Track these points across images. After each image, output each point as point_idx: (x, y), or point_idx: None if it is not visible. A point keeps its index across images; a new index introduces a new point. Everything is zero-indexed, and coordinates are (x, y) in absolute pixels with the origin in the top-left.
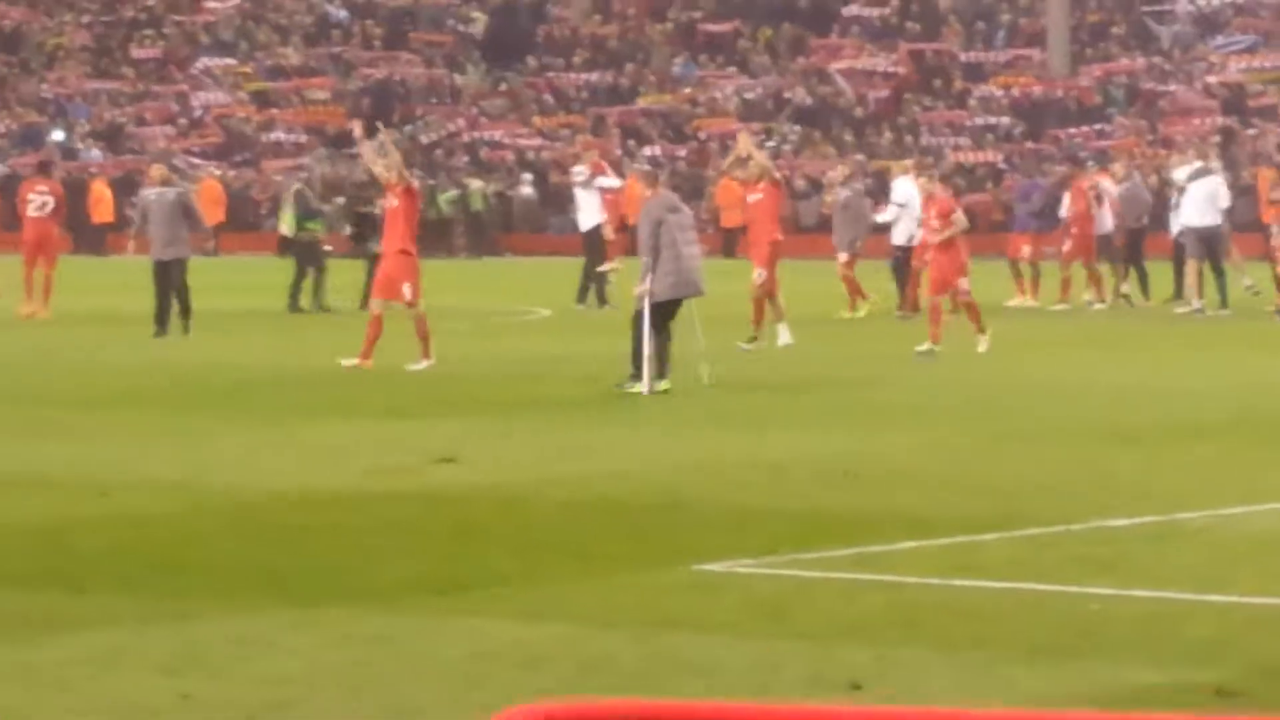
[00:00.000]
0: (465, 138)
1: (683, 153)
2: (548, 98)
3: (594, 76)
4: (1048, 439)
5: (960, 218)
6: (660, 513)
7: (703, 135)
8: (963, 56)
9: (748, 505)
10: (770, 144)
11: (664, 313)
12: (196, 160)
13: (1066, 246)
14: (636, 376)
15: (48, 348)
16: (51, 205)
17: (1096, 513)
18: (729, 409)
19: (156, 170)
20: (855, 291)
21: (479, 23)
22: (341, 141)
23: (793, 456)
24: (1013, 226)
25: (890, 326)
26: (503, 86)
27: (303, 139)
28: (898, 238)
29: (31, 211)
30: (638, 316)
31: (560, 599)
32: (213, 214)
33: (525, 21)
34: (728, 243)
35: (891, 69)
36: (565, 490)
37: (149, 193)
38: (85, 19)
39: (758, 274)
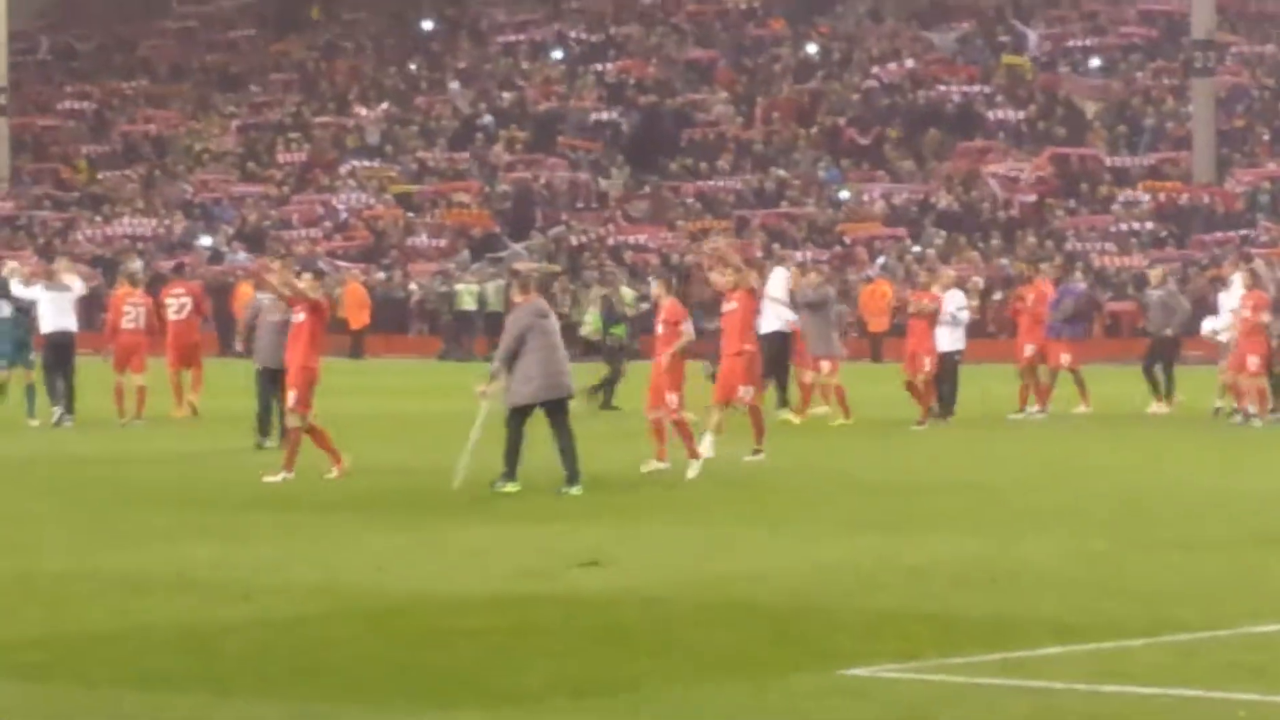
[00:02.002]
0: (610, 241)
1: (826, 257)
2: (692, 201)
3: (738, 180)
4: (1194, 543)
5: (688, 328)
6: (801, 615)
7: (848, 240)
8: (1107, 161)
9: (888, 608)
10: (916, 248)
11: (523, 414)
12: (341, 263)
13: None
14: (509, 476)
15: (192, 449)
16: (190, 307)
17: (1245, 618)
18: (867, 511)
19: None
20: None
21: (624, 126)
22: (485, 245)
23: (932, 559)
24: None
25: (1031, 430)
26: (646, 189)
27: (444, 242)
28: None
29: (171, 315)
30: (510, 418)
31: (703, 703)
32: (357, 317)
33: (670, 125)
34: (874, 347)
35: (1036, 174)
36: (706, 593)
37: (263, 298)
38: (234, 123)
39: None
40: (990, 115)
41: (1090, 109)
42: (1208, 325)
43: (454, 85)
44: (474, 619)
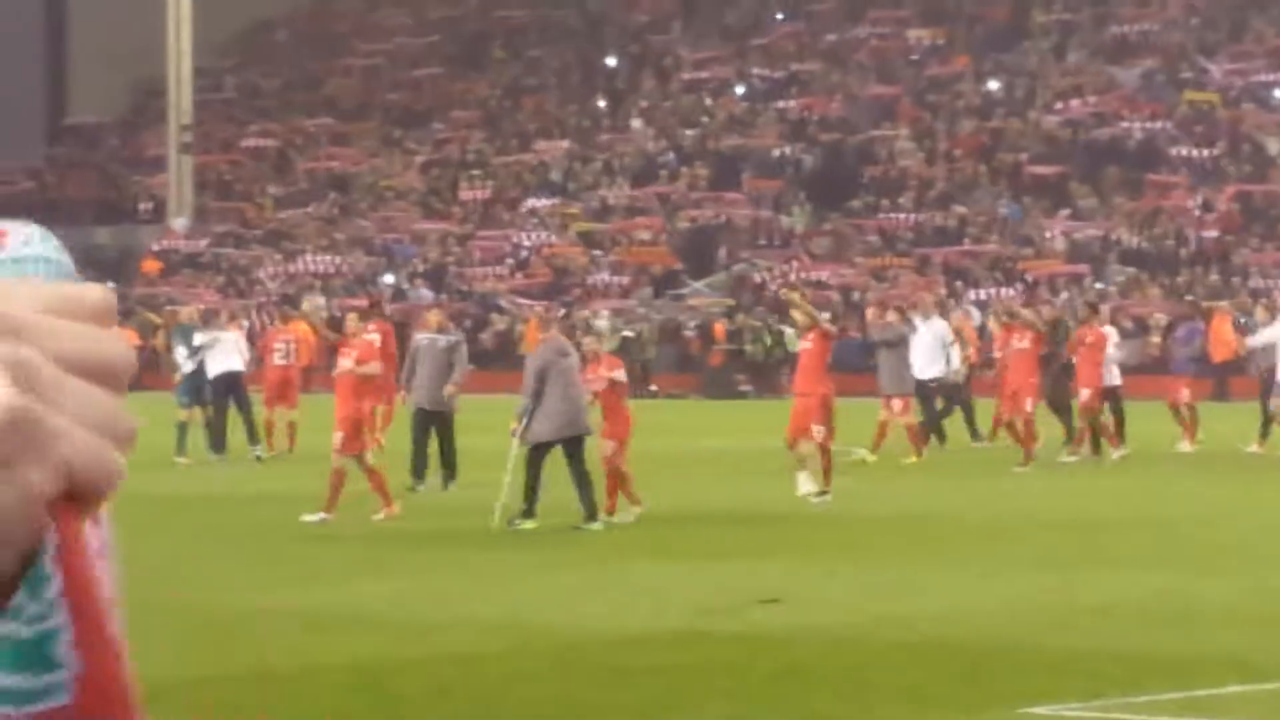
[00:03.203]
0: (792, 278)
1: (1010, 294)
2: (873, 238)
3: (920, 217)
4: None
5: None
6: (986, 654)
7: (1029, 277)
8: None
9: (1073, 647)
10: (1099, 285)
11: (542, 452)
12: (522, 300)
13: None
14: (528, 514)
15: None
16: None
17: None
18: (1047, 548)
19: (434, 316)
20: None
21: (806, 163)
22: (666, 283)
23: (1115, 597)
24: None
25: (1209, 462)
26: (827, 226)
27: (626, 280)
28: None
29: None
30: (530, 455)
31: None
32: None
33: (852, 162)
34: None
35: (1220, 210)
36: (891, 631)
37: (421, 338)
38: (417, 160)
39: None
40: (1173, 152)
41: (1273, 145)
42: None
43: (636, 123)
44: (654, 656)
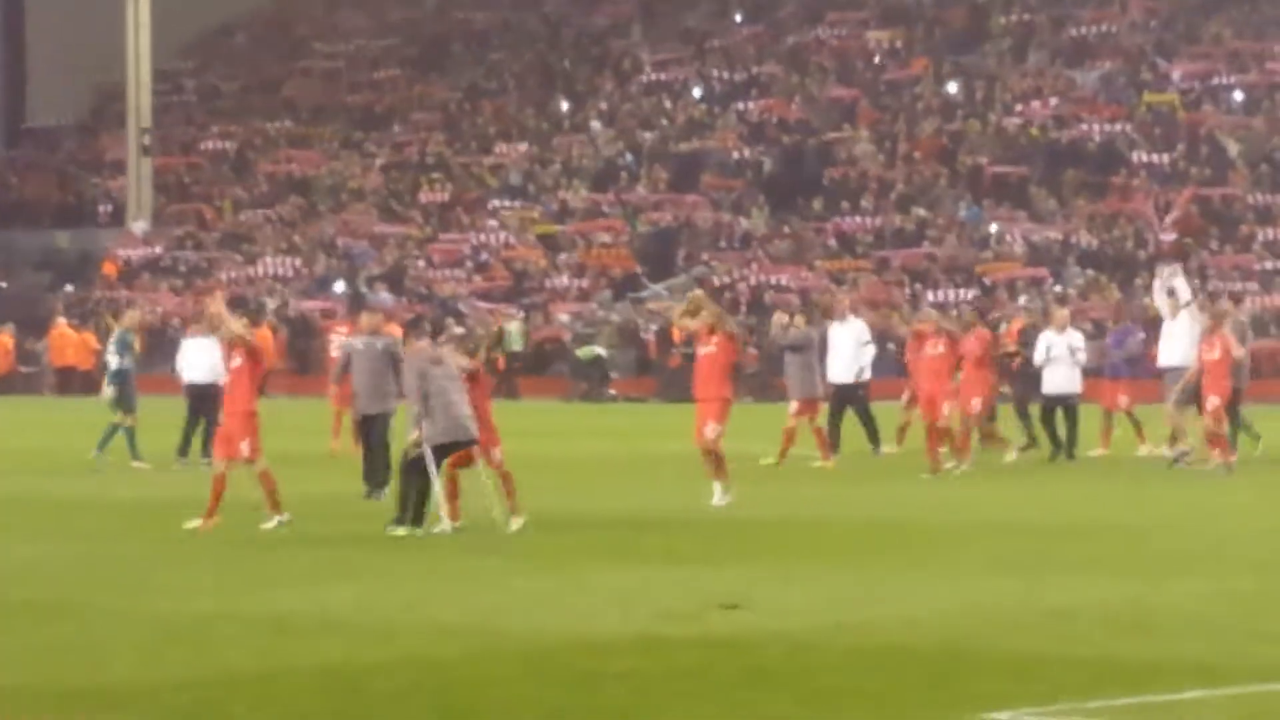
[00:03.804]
0: (751, 281)
1: (969, 296)
2: (833, 241)
3: (879, 220)
4: None
5: None
6: (945, 659)
7: (987, 281)
8: (1249, 199)
9: (1033, 651)
10: (1058, 288)
11: (440, 456)
12: (480, 303)
13: None
14: (401, 520)
15: (337, 488)
16: None
17: None
18: (1009, 553)
19: (367, 319)
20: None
21: (766, 166)
22: (626, 286)
23: (1076, 602)
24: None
25: (1161, 471)
26: (787, 229)
27: (586, 282)
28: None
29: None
30: (415, 462)
31: None
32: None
33: (811, 165)
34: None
35: (1178, 214)
36: (851, 636)
37: (355, 341)
38: (377, 163)
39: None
40: (1133, 156)
41: (1233, 147)
42: None
43: (595, 125)
44: (621, 661)
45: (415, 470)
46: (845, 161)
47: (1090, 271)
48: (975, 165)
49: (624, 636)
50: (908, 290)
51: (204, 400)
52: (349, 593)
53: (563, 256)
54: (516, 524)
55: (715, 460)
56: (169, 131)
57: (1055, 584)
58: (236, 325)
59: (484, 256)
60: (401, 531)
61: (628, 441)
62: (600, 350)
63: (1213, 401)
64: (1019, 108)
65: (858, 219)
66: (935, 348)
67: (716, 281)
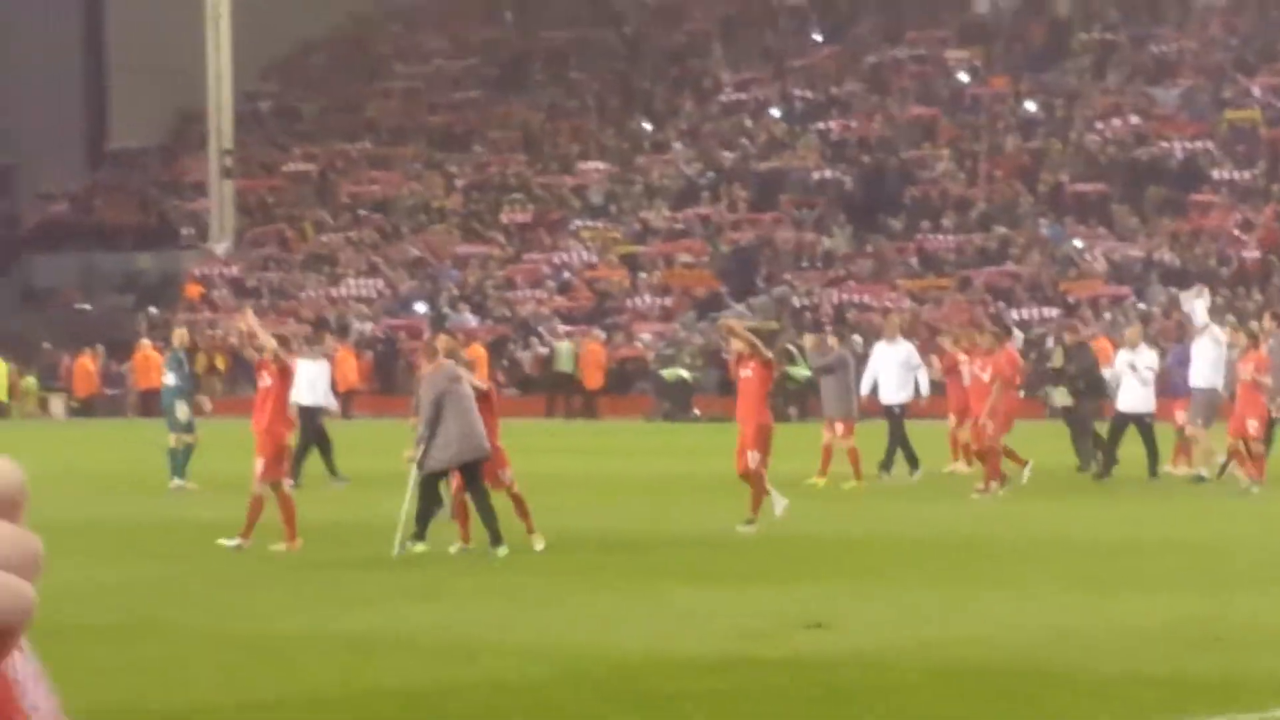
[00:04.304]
0: (834, 300)
1: (1052, 315)
2: (914, 261)
3: (961, 238)
4: None
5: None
6: (1025, 678)
7: (1070, 299)
8: None
9: (1115, 671)
10: (1141, 305)
11: (438, 478)
12: (562, 326)
13: None
14: (420, 536)
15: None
16: None
17: None
18: (1088, 571)
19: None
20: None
21: (847, 185)
22: (709, 305)
23: (1156, 620)
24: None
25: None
26: (869, 248)
27: (668, 302)
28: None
29: None
30: (426, 481)
31: None
32: (593, 377)
33: (893, 183)
34: None
35: (1260, 230)
36: (930, 655)
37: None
38: (458, 183)
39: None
40: (1215, 174)
41: None
42: None
43: (677, 145)
44: (700, 682)
45: (430, 486)
46: (926, 180)
47: (1173, 289)
48: (1056, 183)
49: (704, 656)
50: (990, 309)
51: (311, 421)
52: (430, 613)
53: (644, 276)
54: (539, 544)
55: (755, 485)
56: (250, 153)
57: (1129, 601)
58: (270, 341)
59: (566, 276)
60: (421, 548)
61: (708, 461)
62: (684, 373)
63: (1252, 425)
64: (1099, 125)
65: (939, 238)
66: (984, 370)
67: (796, 302)
